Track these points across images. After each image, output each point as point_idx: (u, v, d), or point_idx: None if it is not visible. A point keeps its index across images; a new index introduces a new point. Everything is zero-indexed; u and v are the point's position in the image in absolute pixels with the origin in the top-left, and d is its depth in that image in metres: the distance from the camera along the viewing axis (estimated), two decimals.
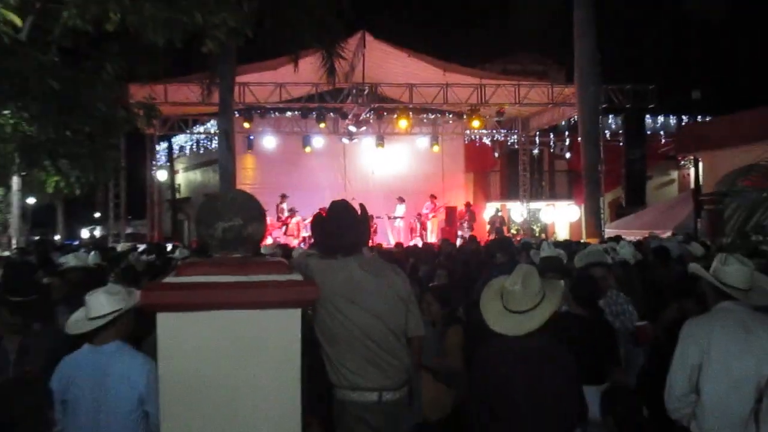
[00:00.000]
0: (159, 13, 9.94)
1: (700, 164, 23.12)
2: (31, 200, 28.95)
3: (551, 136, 29.91)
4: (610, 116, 26.68)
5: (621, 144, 24.15)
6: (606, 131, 25.03)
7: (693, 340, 3.86)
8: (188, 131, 29.17)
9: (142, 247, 16.31)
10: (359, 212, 4.01)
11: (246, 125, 24.26)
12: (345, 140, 26.80)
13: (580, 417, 3.86)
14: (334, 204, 4.05)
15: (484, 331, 3.75)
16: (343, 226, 3.84)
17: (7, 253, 16.08)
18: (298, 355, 3.09)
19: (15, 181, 20.56)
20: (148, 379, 3.96)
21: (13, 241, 21.60)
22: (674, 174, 31.76)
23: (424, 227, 25.44)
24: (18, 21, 10.47)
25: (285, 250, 10.88)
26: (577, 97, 21.02)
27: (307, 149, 26.57)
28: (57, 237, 36.08)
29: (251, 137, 26.54)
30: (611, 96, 23.34)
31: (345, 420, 3.77)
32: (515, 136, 29.59)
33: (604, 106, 22.50)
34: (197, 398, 3.01)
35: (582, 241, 17.10)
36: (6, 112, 11.56)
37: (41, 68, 11.43)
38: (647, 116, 25.54)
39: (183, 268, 3.15)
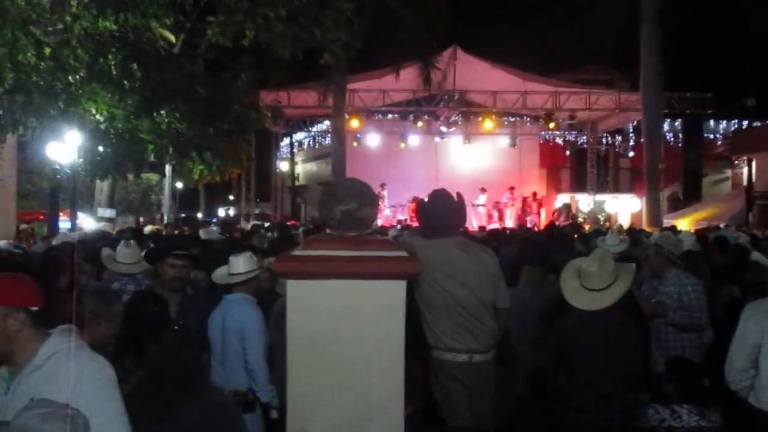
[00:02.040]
0: (287, 30, 10.12)
1: (753, 164, 21.96)
2: (178, 184, 30.07)
3: (617, 137, 29.00)
4: (670, 120, 25.59)
5: (680, 145, 23.16)
6: (667, 134, 24.04)
7: (753, 321, 3.68)
8: (306, 129, 29.65)
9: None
10: (456, 200, 3.98)
11: (354, 125, 24.47)
12: (437, 139, 26.81)
13: (644, 380, 3.75)
14: (436, 192, 4.04)
15: None
16: (442, 211, 3.81)
17: (157, 228, 16.80)
18: (403, 319, 3.09)
19: (167, 169, 21.44)
20: (253, 324, 4.08)
21: (165, 218, 22.55)
22: (728, 172, 30.17)
23: (502, 214, 25.18)
24: (172, 38, 10.87)
25: (382, 230, 10.92)
26: (641, 103, 20.25)
27: (403, 145, 26.60)
28: (199, 215, 37.32)
29: (358, 135, 26.75)
30: (672, 102, 22.39)
31: (439, 377, 3.76)
32: (584, 137, 28.78)
33: (665, 111, 21.61)
34: (319, 352, 3.05)
35: (643, 229, 16.51)
36: (162, 112, 12.02)
37: (190, 77, 11.83)
38: (705, 120, 24.41)
39: (309, 243, 3.19)
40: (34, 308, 2.27)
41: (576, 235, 8.78)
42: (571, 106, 23.29)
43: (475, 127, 26.50)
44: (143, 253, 5.26)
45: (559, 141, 29.43)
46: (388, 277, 3.06)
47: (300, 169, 34.41)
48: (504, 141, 27.62)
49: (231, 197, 43.69)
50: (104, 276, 5.48)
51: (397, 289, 3.08)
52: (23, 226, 17.05)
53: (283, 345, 3.74)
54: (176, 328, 2.85)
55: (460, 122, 26.08)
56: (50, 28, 9.42)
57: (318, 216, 3.31)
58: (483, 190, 25.32)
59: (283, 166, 30.47)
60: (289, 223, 19.28)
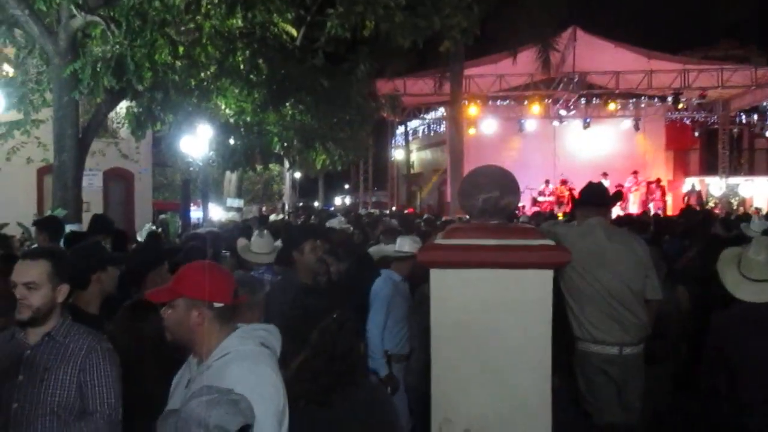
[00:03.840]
0: (406, 19, 10.09)
1: None
2: (297, 175, 30.90)
3: (753, 116, 27.00)
4: None
5: None
6: None
7: None
8: (421, 117, 29.64)
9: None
10: (609, 190, 3.80)
11: (472, 112, 24.17)
12: (555, 123, 25.98)
13: None
14: (591, 183, 3.89)
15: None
16: (597, 199, 3.65)
17: (281, 216, 17.36)
18: (550, 311, 2.99)
19: (287, 160, 22.11)
20: (383, 297, 4.80)
21: (286, 206, 23.30)
22: None
23: (626, 199, 24.13)
24: (294, 32, 11.10)
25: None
26: None
27: (521, 131, 26.04)
28: (316, 203, 38.21)
29: (474, 121, 26.42)
30: None
31: (586, 370, 3.60)
32: (715, 117, 27.00)
33: None
34: (463, 342, 3.00)
35: None
36: (287, 105, 12.35)
37: (313, 70, 12.07)
38: None
39: (450, 231, 3.15)
40: (220, 304, 2.27)
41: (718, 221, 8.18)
42: (700, 85, 21.94)
43: (595, 109, 25.55)
44: (279, 242, 5.41)
45: (687, 122, 27.76)
46: (535, 267, 2.96)
47: (415, 157, 34.47)
48: (627, 123, 26.44)
49: (346, 186, 44.53)
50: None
51: (545, 278, 2.98)
52: (161, 217, 18.13)
53: (424, 331, 3.73)
54: (334, 317, 2.87)
55: (580, 105, 25.18)
56: (183, 28, 9.88)
57: (459, 205, 3.24)
58: (605, 175, 24.29)
59: (398, 154, 30.62)
60: (407, 212, 19.39)
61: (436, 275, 3.03)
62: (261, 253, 5.36)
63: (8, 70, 10.81)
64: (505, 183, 3.16)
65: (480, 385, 2.99)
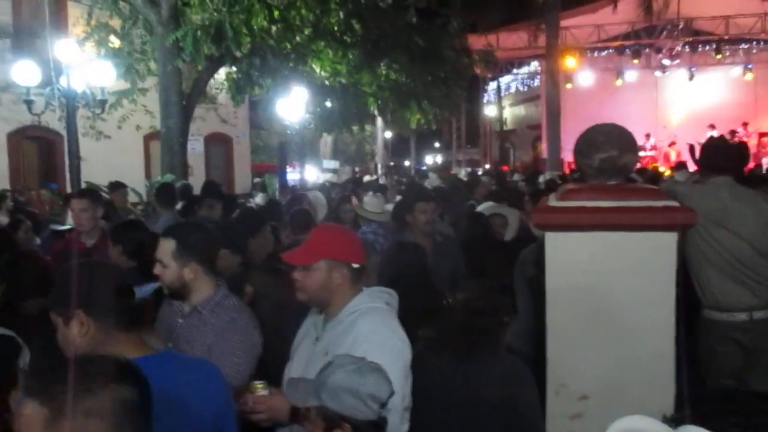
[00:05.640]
0: None
1: None
2: (387, 134, 30.88)
3: None
4: None
5: None
6: None
7: None
8: (513, 72, 28.88)
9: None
10: (737, 144, 3.53)
11: (570, 64, 23.27)
12: (657, 73, 24.60)
13: None
14: (713, 138, 3.63)
15: None
16: (724, 153, 3.41)
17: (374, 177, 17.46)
18: (674, 275, 2.85)
19: (378, 120, 22.13)
20: None
21: (378, 167, 23.41)
22: None
23: None
24: None
25: None
26: None
27: (619, 82, 24.86)
28: (407, 163, 38.16)
29: (571, 75, 25.47)
30: None
31: (711, 339, 3.42)
32: None
33: None
34: (580, 307, 2.91)
35: None
36: (382, 65, 12.30)
37: (406, 28, 11.93)
38: None
39: (566, 193, 3.03)
40: (356, 265, 2.35)
41: None
42: None
43: (702, 57, 24.04)
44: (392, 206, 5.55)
45: None
46: (658, 229, 2.82)
47: (507, 113, 33.68)
48: (737, 71, 24.74)
49: (437, 144, 44.23)
50: None
51: (668, 241, 2.83)
52: (256, 180, 18.62)
53: (524, 294, 3.65)
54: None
55: (684, 54, 23.76)
56: None
57: (575, 163, 3.11)
58: (711, 126, 22.94)
59: (490, 111, 30.03)
60: (503, 169, 19.08)
61: (551, 238, 2.93)
62: (374, 212, 5.46)
63: (115, 41, 11.25)
64: (623, 141, 3.01)
65: (598, 350, 2.90)
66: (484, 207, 5.71)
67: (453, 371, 2.57)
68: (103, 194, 7.09)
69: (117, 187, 8.06)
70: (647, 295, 2.84)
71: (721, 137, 3.76)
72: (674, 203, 2.89)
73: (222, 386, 2.04)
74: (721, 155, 3.41)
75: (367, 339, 2.16)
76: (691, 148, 3.68)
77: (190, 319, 2.57)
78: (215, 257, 2.70)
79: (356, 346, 2.13)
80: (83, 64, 8.52)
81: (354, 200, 5.80)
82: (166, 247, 2.58)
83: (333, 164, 17.21)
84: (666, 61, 23.64)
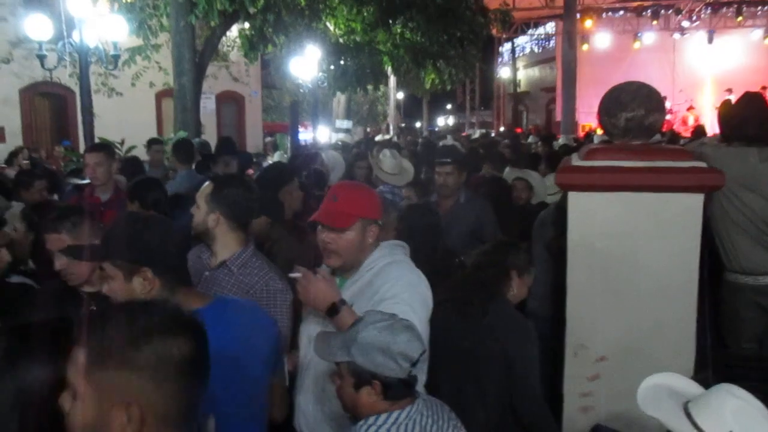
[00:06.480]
0: None
1: None
2: (399, 95, 30.52)
3: None
4: None
5: None
6: None
7: None
8: (528, 33, 28.40)
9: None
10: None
11: (588, 25, 22.84)
12: (676, 36, 24.14)
13: None
14: (747, 95, 3.52)
15: None
16: (753, 114, 3.32)
17: (387, 136, 17.32)
18: (699, 237, 2.80)
19: (391, 80, 21.84)
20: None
21: (390, 128, 23.22)
22: None
23: None
24: None
25: None
26: None
27: (636, 45, 24.40)
28: (417, 125, 37.85)
29: (587, 37, 25.02)
30: None
31: (735, 303, 3.37)
32: None
33: None
34: (601, 268, 2.88)
35: None
36: (398, 23, 12.10)
37: None
38: None
39: (590, 152, 2.97)
40: (381, 222, 2.36)
41: None
42: None
43: (721, 20, 23.52)
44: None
45: None
46: (685, 190, 2.77)
47: (521, 75, 33.22)
48: (757, 34, 24.19)
49: (448, 106, 43.81)
50: None
51: (694, 203, 2.78)
52: (267, 139, 18.53)
53: (542, 256, 3.61)
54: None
55: (704, 15, 23.23)
56: None
57: (600, 123, 3.05)
58: (729, 90, 22.48)
59: (504, 72, 29.63)
60: (516, 131, 18.89)
61: (574, 198, 2.89)
62: (392, 174, 5.40)
63: None
64: (650, 100, 2.93)
65: (618, 312, 2.88)
66: (506, 173, 5.62)
67: (453, 324, 2.60)
68: (117, 151, 7.07)
69: (152, 143, 8.05)
70: (670, 258, 2.80)
71: (756, 97, 3.60)
72: (702, 164, 2.83)
73: (273, 322, 2.18)
74: (755, 124, 3.29)
75: (397, 283, 2.18)
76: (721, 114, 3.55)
77: (216, 272, 2.57)
78: (247, 220, 2.68)
79: (385, 291, 2.16)
80: (96, 18, 8.41)
81: (371, 158, 5.71)
82: (205, 190, 2.61)
83: (346, 124, 17.03)
84: (685, 23, 23.18)
